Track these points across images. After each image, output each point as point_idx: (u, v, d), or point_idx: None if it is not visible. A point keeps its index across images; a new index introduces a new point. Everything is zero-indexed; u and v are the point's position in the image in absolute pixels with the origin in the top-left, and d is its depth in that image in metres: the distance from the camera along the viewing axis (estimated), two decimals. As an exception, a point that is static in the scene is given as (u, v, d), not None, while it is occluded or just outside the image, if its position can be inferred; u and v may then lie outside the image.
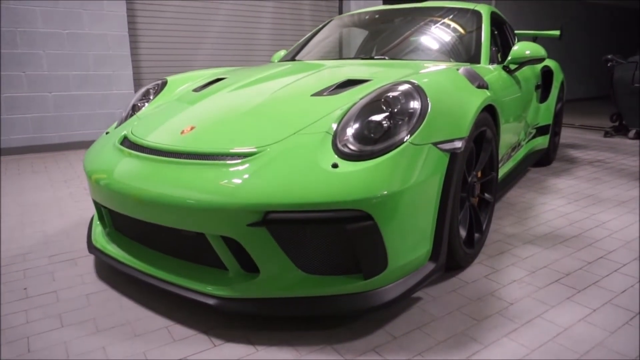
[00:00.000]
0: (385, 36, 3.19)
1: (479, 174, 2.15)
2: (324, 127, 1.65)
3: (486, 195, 2.23)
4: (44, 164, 4.28)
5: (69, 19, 4.79)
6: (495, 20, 3.18)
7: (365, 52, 3.48)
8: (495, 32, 3.16)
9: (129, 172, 1.72)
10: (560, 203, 3.01)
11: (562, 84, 4.11)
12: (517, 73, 2.90)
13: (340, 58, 3.30)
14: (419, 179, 1.55)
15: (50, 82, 4.82)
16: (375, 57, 2.84)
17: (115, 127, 2.28)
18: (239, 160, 1.56)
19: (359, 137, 1.58)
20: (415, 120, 1.62)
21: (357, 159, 1.51)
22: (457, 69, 2.09)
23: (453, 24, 2.91)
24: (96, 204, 2.03)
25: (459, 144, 1.71)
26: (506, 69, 2.76)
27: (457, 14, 2.98)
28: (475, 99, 1.93)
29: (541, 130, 3.79)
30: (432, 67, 2.23)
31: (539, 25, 9.63)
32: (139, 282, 1.87)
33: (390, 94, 1.70)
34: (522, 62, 2.70)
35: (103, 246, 1.95)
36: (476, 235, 2.10)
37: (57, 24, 4.75)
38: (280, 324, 1.60)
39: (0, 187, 3.43)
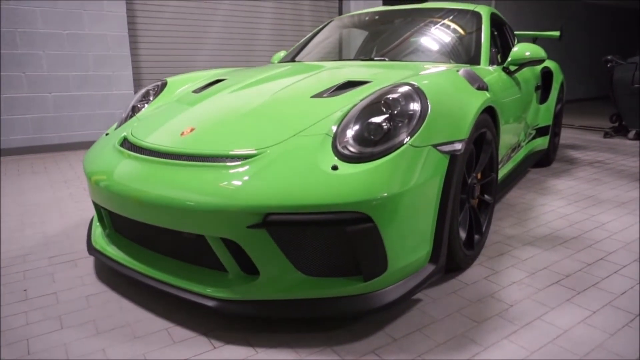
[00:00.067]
0: (385, 37, 3.19)
1: (479, 176, 2.15)
2: (323, 129, 1.65)
3: (486, 196, 2.23)
4: (43, 165, 4.28)
5: (68, 19, 4.79)
6: (495, 22, 3.18)
7: (365, 53, 3.48)
8: (495, 33, 3.16)
9: (129, 173, 1.72)
10: (560, 204, 3.01)
11: (561, 85, 4.11)
12: (517, 74, 2.90)
13: (340, 59, 3.30)
14: (418, 181, 1.55)
15: (50, 82, 4.82)
16: (375, 59, 2.84)
17: (115, 129, 2.28)
18: (238, 162, 1.56)
19: (358, 139, 1.58)
20: (415, 122, 1.62)
21: (357, 161, 1.51)
22: (457, 71, 2.10)
23: (453, 25, 2.91)
24: (96, 206, 2.03)
25: (458, 146, 1.71)
26: (506, 70, 2.77)
27: (457, 15, 2.98)
28: (475, 101, 1.93)
29: (541, 131, 3.79)
30: (432, 68, 2.23)
31: (538, 26, 9.64)
32: (139, 283, 1.88)
33: (390, 96, 1.70)
34: (522, 64, 2.71)
35: (103, 248, 1.95)
36: (476, 236, 2.10)
37: (57, 24, 4.75)
38: (280, 326, 1.60)
39: (0, 188, 3.43)
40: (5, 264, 2.13)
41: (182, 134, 1.82)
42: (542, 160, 4.01)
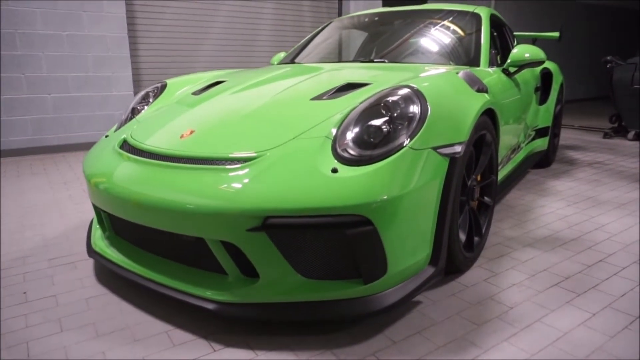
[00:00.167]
0: (384, 39, 3.19)
1: (479, 178, 2.15)
2: (323, 131, 1.65)
3: (486, 198, 2.23)
4: (43, 166, 4.28)
5: (68, 20, 4.79)
6: (495, 23, 3.18)
7: (364, 55, 3.48)
8: (495, 34, 3.16)
9: (129, 176, 1.72)
10: (559, 205, 3.01)
11: (561, 86, 4.11)
12: (516, 75, 2.90)
13: (340, 60, 3.30)
14: (418, 183, 1.55)
15: (50, 83, 4.82)
16: (375, 60, 2.84)
17: (115, 130, 2.28)
18: (238, 165, 1.56)
19: (358, 141, 1.58)
20: (415, 124, 1.62)
21: (357, 163, 1.51)
22: (457, 73, 2.10)
23: (452, 27, 2.91)
24: (95, 208, 2.03)
25: (458, 149, 1.71)
26: (506, 71, 2.77)
27: (457, 16, 2.98)
28: (475, 103, 1.93)
29: (540, 132, 3.79)
30: (432, 70, 2.23)
31: (538, 26, 9.64)
32: (139, 286, 1.87)
33: (390, 99, 1.70)
34: (522, 65, 2.71)
35: (102, 250, 1.95)
36: (476, 238, 2.10)
37: (57, 25, 4.74)
38: (279, 329, 1.60)
39: (0, 189, 3.44)
40: (5, 266, 2.13)
41: (182, 136, 1.82)
42: (542, 161, 4.02)
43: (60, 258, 2.22)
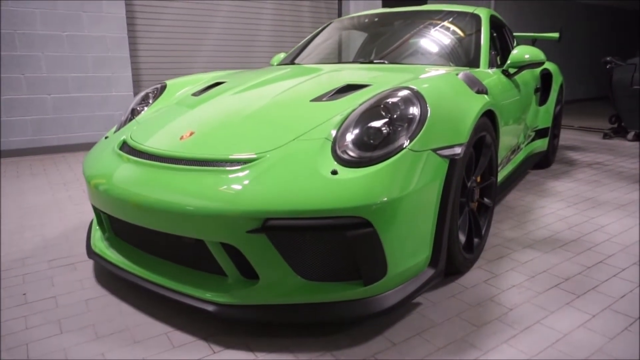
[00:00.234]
0: (384, 39, 3.19)
1: (478, 179, 2.15)
2: (323, 133, 1.65)
3: (485, 199, 2.23)
4: (42, 166, 4.28)
5: (68, 21, 4.79)
6: (495, 24, 3.18)
7: (364, 56, 3.48)
8: (494, 35, 3.16)
9: (128, 177, 1.72)
10: (559, 206, 3.02)
11: (561, 86, 4.11)
12: (516, 76, 2.90)
13: (340, 61, 3.30)
14: (418, 185, 1.55)
15: (49, 84, 4.82)
16: (375, 61, 2.84)
17: (115, 132, 2.28)
18: (238, 167, 1.56)
19: (358, 143, 1.58)
20: (415, 126, 1.62)
21: (357, 165, 1.51)
22: (457, 74, 2.10)
23: (452, 28, 2.91)
24: (95, 209, 2.03)
25: (458, 150, 1.71)
26: (505, 72, 2.77)
27: (457, 17, 2.98)
28: (475, 105, 1.93)
29: (540, 133, 3.79)
30: (432, 72, 2.23)
31: (539, 26, 9.65)
32: (139, 287, 1.87)
33: (390, 100, 1.70)
34: (522, 66, 2.71)
35: (102, 251, 1.95)
36: (475, 240, 2.10)
37: (56, 26, 4.74)
38: (279, 331, 1.60)
39: (0, 190, 3.44)
40: (5, 267, 2.13)
41: (182, 137, 1.82)
42: (542, 161, 4.02)
43: (60, 259, 2.22)
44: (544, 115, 3.77)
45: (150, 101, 2.49)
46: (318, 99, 1.94)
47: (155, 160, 1.73)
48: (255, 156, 1.59)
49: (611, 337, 1.57)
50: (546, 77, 3.93)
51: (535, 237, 2.47)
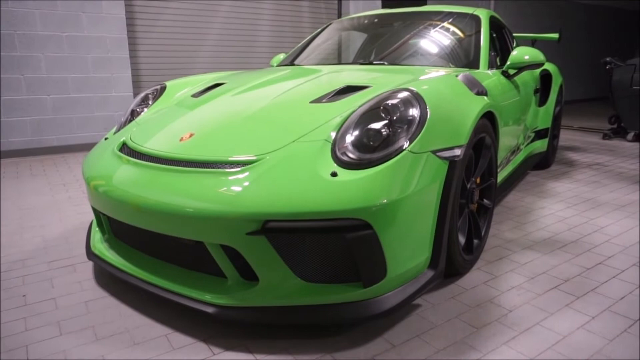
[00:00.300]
0: (384, 40, 3.19)
1: (478, 180, 2.15)
2: (323, 134, 1.65)
3: (485, 201, 2.23)
4: (42, 167, 4.28)
5: (67, 21, 4.79)
6: (494, 25, 3.19)
7: (363, 57, 3.48)
8: (494, 36, 3.16)
9: (128, 179, 1.72)
10: (559, 207, 3.02)
11: (560, 87, 4.12)
12: (516, 77, 2.90)
13: (339, 62, 3.30)
14: (417, 187, 1.55)
15: (49, 84, 4.82)
16: (375, 62, 2.84)
17: (114, 133, 2.28)
18: (238, 169, 1.56)
19: (358, 145, 1.58)
20: (415, 128, 1.62)
21: (356, 167, 1.51)
22: (456, 75, 2.10)
23: (452, 29, 2.91)
24: (95, 211, 2.03)
25: (458, 152, 1.71)
26: (505, 73, 2.77)
27: (456, 18, 2.98)
28: (474, 106, 1.94)
29: (540, 134, 3.79)
30: (431, 73, 2.23)
31: (538, 26, 9.65)
32: (138, 289, 1.87)
33: (390, 102, 1.70)
34: (521, 68, 2.71)
35: (102, 253, 1.95)
36: (475, 241, 2.10)
37: (56, 26, 4.74)
38: (279, 333, 1.60)
39: (0, 191, 3.44)
40: (5, 269, 2.13)
41: (181, 139, 1.82)
42: (541, 162, 4.02)
43: (60, 260, 2.22)
44: (543, 116, 3.78)
45: (150, 102, 2.49)
46: (318, 100, 1.94)
47: (155, 162, 1.73)
48: (255, 158, 1.59)
49: (611, 339, 1.57)
50: (546, 77, 3.94)
51: (535, 239, 2.47)
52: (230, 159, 1.61)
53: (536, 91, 3.53)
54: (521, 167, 3.34)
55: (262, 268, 1.51)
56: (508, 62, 2.70)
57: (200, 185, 1.54)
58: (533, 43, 4.41)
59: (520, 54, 2.67)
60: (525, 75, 3.21)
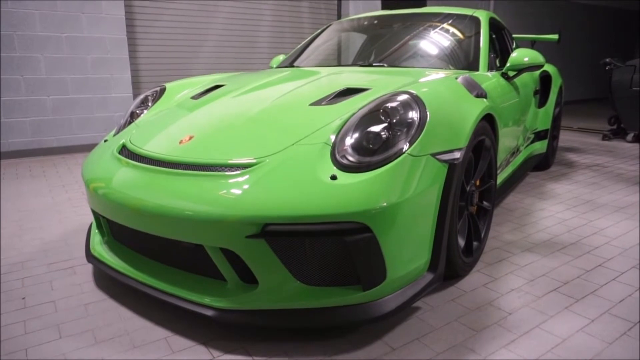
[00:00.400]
0: (383, 42, 3.19)
1: (478, 182, 2.15)
2: (322, 137, 1.65)
3: (485, 203, 2.23)
4: (42, 168, 4.28)
5: (67, 22, 4.79)
6: (494, 26, 3.19)
7: (363, 58, 3.48)
8: (494, 37, 3.16)
9: (127, 182, 1.72)
10: (558, 209, 3.02)
11: (560, 88, 4.12)
12: (515, 79, 2.90)
13: (339, 63, 3.30)
14: (417, 190, 1.55)
15: (49, 85, 4.82)
16: (374, 64, 2.84)
17: (114, 135, 2.28)
18: (237, 172, 1.56)
19: (357, 148, 1.58)
20: (414, 131, 1.62)
21: (356, 170, 1.51)
22: (456, 78, 2.10)
23: (451, 30, 2.91)
24: (94, 213, 2.03)
25: (457, 155, 1.71)
26: (505, 75, 2.77)
27: (456, 20, 2.98)
28: (474, 109, 1.94)
29: (539, 135, 3.79)
30: (431, 75, 2.23)
31: (538, 27, 9.65)
32: (138, 292, 1.87)
33: (389, 105, 1.70)
34: (521, 69, 2.71)
35: (101, 255, 1.95)
36: (475, 243, 2.10)
37: (55, 27, 4.74)
38: (278, 336, 1.60)
39: (-2, 192, 3.43)
40: (4, 271, 2.13)
41: (181, 142, 1.82)
42: (541, 163, 4.02)
43: (59, 263, 2.22)
44: (543, 118, 3.78)
45: (150, 104, 2.49)
46: (317, 102, 1.94)
47: (154, 165, 1.73)
48: (254, 161, 1.59)
49: (610, 342, 1.57)
50: (545, 79, 3.94)
51: (535, 240, 2.47)
52: (230, 162, 1.61)
53: (536, 92, 3.53)
54: (521, 169, 3.34)
55: (262, 271, 1.51)
56: (508, 64, 2.70)
57: (200, 188, 1.54)
58: (532, 44, 4.41)
59: (520, 55, 2.67)
60: (524, 76, 3.21)
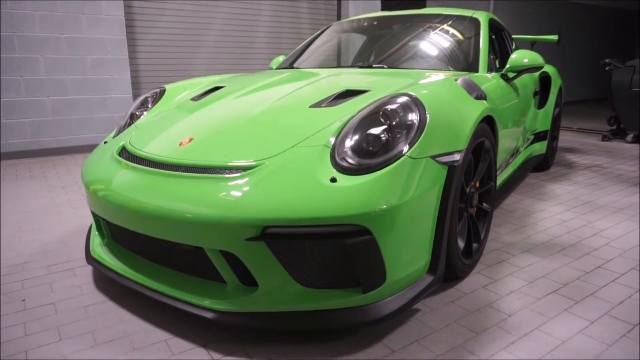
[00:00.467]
0: (383, 43, 3.19)
1: (477, 184, 2.15)
2: (322, 139, 1.65)
3: (484, 204, 2.23)
4: (42, 169, 4.28)
5: (66, 23, 4.79)
6: (494, 27, 3.19)
7: (363, 59, 3.48)
8: (493, 38, 3.16)
9: (127, 184, 1.72)
10: (558, 210, 3.02)
11: (560, 89, 4.12)
12: (515, 80, 2.90)
13: (339, 65, 3.30)
14: (417, 192, 1.56)
15: (48, 86, 4.81)
16: (374, 65, 2.84)
17: (114, 136, 2.28)
18: (237, 174, 1.56)
19: (357, 150, 1.58)
20: (414, 133, 1.62)
21: (356, 172, 1.51)
22: (456, 80, 2.10)
23: (451, 32, 2.91)
24: (94, 215, 2.03)
25: (457, 157, 1.71)
26: (504, 76, 2.77)
27: (455, 21, 2.98)
28: (474, 111, 1.94)
29: (539, 136, 3.79)
30: (431, 77, 2.23)
31: (538, 27, 9.65)
32: (138, 294, 1.87)
33: (389, 107, 1.70)
34: (520, 71, 2.71)
35: (101, 257, 1.95)
36: (474, 245, 2.10)
37: (55, 28, 4.74)
38: (278, 338, 1.61)
39: (-2, 194, 3.43)
40: (4, 272, 2.13)
41: (181, 144, 1.82)
42: (541, 164, 4.02)
43: (59, 264, 2.22)
44: (543, 118, 3.78)
45: (150, 106, 2.49)
46: (317, 104, 1.94)
47: (154, 167, 1.73)
48: (254, 163, 1.59)
49: (610, 344, 1.58)
50: (545, 80, 3.94)
51: (534, 242, 2.47)
52: (230, 164, 1.61)
53: (535, 93, 3.53)
54: (520, 170, 3.34)
55: (262, 273, 1.51)
56: (507, 66, 2.71)
57: (200, 190, 1.54)
58: (532, 45, 4.41)
59: (520, 57, 2.67)
60: (524, 77, 3.21)
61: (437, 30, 2.94)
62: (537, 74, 3.67)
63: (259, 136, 1.77)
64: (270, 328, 1.55)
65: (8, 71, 4.59)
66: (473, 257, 2.08)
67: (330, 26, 3.57)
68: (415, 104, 1.71)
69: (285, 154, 1.61)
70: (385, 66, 2.77)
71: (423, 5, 7.99)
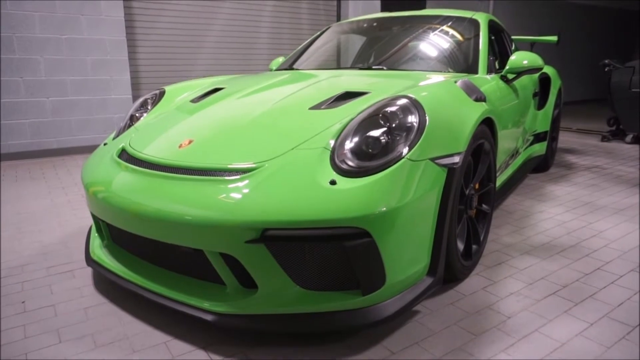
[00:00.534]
0: (382, 44, 3.20)
1: (477, 186, 2.15)
2: (322, 142, 1.66)
3: (484, 206, 2.23)
4: (41, 170, 4.28)
5: (66, 24, 4.79)
6: (493, 29, 3.19)
7: (362, 60, 3.48)
8: (493, 39, 3.16)
9: (127, 186, 1.72)
10: (557, 211, 3.02)
11: (559, 90, 4.12)
12: (514, 81, 2.91)
13: (339, 66, 3.30)
14: (416, 194, 1.56)
15: (48, 87, 4.82)
16: (373, 67, 2.85)
17: (113, 138, 2.28)
18: (237, 176, 1.56)
19: (357, 152, 1.58)
20: (413, 135, 1.63)
21: (355, 175, 1.51)
22: (455, 81, 2.10)
23: (451, 33, 2.91)
24: (94, 217, 2.03)
25: (456, 159, 1.71)
26: (504, 78, 2.77)
27: (455, 22, 2.98)
28: (473, 113, 1.94)
29: (539, 137, 3.80)
30: (430, 79, 2.23)
31: (537, 27, 9.65)
32: (137, 296, 1.87)
33: (389, 109, 1.70)
34: (520, 72, 2.71)
35: (101, 259, 1.95)
36: (474, 246, 2.10)
37: (55, 29, 4.74)
38: (278, 340, 1.61)
39: (-2, 195, 3.43)
40: (4, 274, 2.13)
41: (181, 146, 1.82)
42: (540, 165, 4.03)
43: (59, 266, 2.22)
44: (542, 119, 3.78)
45: (149, 107, 2.49)
46: (317, 106, 1.94)
47: (153, 169, 1.73)
48: (254, 165, 1.59)
49: (609, 346, 1.58)
50: (545, 81, 3.94)
51: (534, 243, 2.48)
52: (230, 166, 1.62)
53: (535, 94, 3.54)
54: (520, 171, 3.35)
55: (261, 276, 1.51)
56: (507, 67, 2.71)
57: (199, 193, 1.54)
58: (532, 46, 4.42)
59: (519, 58, 2.67)
60: (524, 79, 3.21)
61: (436, 32, 2.94)
62: (536, 75, 3.68)
63: (259, 138, 1.77)
64: (270, 330, 1.55)
65: (8, 72, 4.59)
66: (472, 259, 2.08)
67: (330, 27, 3.57)
68: (415, 106, 1.72)
69: (284, 157, 1.61)
70: (384, 68, 2.77)
71: (423, 6, 7.99)
